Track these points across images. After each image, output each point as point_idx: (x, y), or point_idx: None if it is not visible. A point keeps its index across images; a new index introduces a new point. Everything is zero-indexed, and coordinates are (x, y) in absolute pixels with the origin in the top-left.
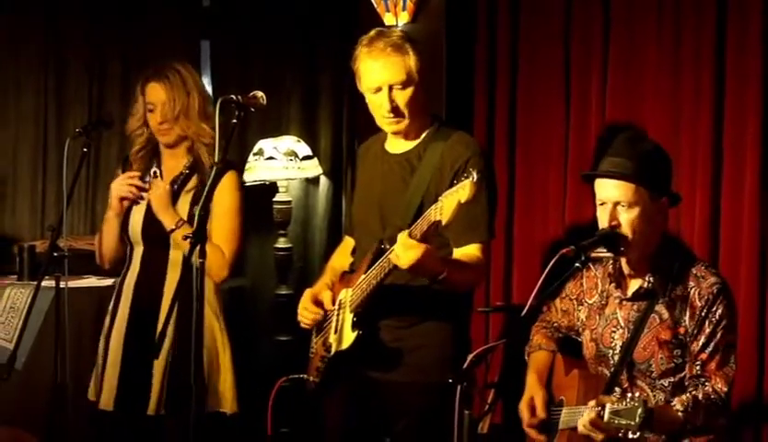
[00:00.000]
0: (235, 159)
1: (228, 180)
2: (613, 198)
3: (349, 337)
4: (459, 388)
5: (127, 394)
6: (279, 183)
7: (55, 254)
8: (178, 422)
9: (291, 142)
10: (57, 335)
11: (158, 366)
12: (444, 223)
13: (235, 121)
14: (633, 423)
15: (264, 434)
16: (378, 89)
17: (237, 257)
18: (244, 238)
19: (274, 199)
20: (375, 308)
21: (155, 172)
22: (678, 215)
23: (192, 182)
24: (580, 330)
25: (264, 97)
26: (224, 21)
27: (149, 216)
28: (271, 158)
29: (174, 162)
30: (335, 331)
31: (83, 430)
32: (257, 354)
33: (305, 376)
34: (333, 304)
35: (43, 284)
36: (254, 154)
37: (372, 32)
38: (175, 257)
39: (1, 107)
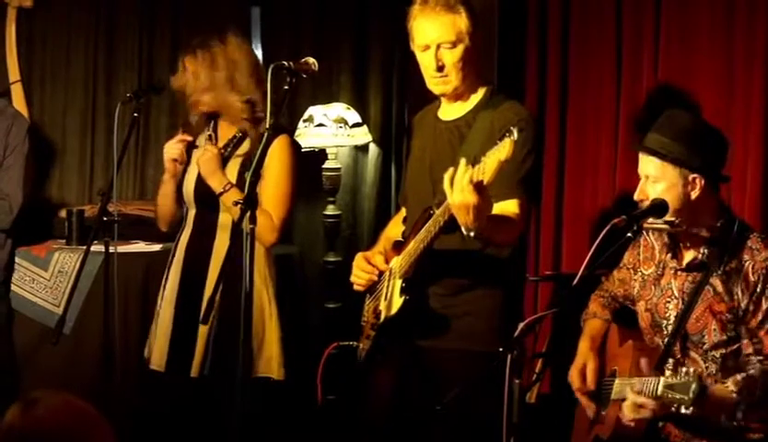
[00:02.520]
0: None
1: (279, 145)
2: (644, 172)
3: (398, 303)
4: (509, 356)
5: (177, 355)
6: (328, 150)
7: (105, 219)
8: (224, 385)
9: (341, 109)
10: (106, 300)
11: (203, 328)
12: (486, 182)
13: (287, 87)
14: (686, 397)
15: (312, 400)
16: (427, 47)
17: (286, 222)
18: (294, 204)
19: (324, 166)
20: (423, 275)
21: (209, 136)
22: (728, 191)
23: (244, 147)
24: (636, 299)
25: (316, 63)
26: None
27: (201, 179)
28: (321, 125)
29: (228, 128)
30: (385, 298)
31: (132, 394)
32: (305, 322)
33: (355, 343)
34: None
35: (92, 248)
36: (304, 120)
37: None
38: (224, 220)
39: (51, 72)
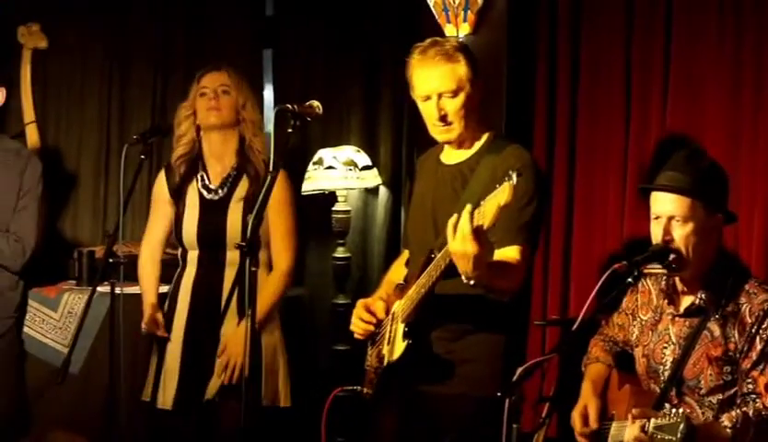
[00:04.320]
0: (296, 169)
1: (277, 182)
2: (668, 212)
3: (400, 348)
4: (506, 401)
5: (186, 393)
6: (338, 193)
7: (111, 260)
8: (234, 411)
9: (351, 151)
10: (112, 341)
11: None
12: (486, 226)
13: (290, 129)
14: (674, 438)
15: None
16: (428, 98)
17: (296, 254)
18: (302, 239)
19: (333, 208)
20: (426, 319)
21: (201, 176)
22: (735, 233)
23: (242, 187)
24: (634, 345)
25: (320, 106)
26: (286, 30)
27: (203, 222)
28: (330, 168)
29: (220, 167)
30: (388, 343)
31: (138, 433)
32: (315, 364)
33: (359, 387)
34: (387, 314)
35: (100, 289)
36: (314, 163)
37: (426, 41)
38: (232, 257)
39: (65, 113)
